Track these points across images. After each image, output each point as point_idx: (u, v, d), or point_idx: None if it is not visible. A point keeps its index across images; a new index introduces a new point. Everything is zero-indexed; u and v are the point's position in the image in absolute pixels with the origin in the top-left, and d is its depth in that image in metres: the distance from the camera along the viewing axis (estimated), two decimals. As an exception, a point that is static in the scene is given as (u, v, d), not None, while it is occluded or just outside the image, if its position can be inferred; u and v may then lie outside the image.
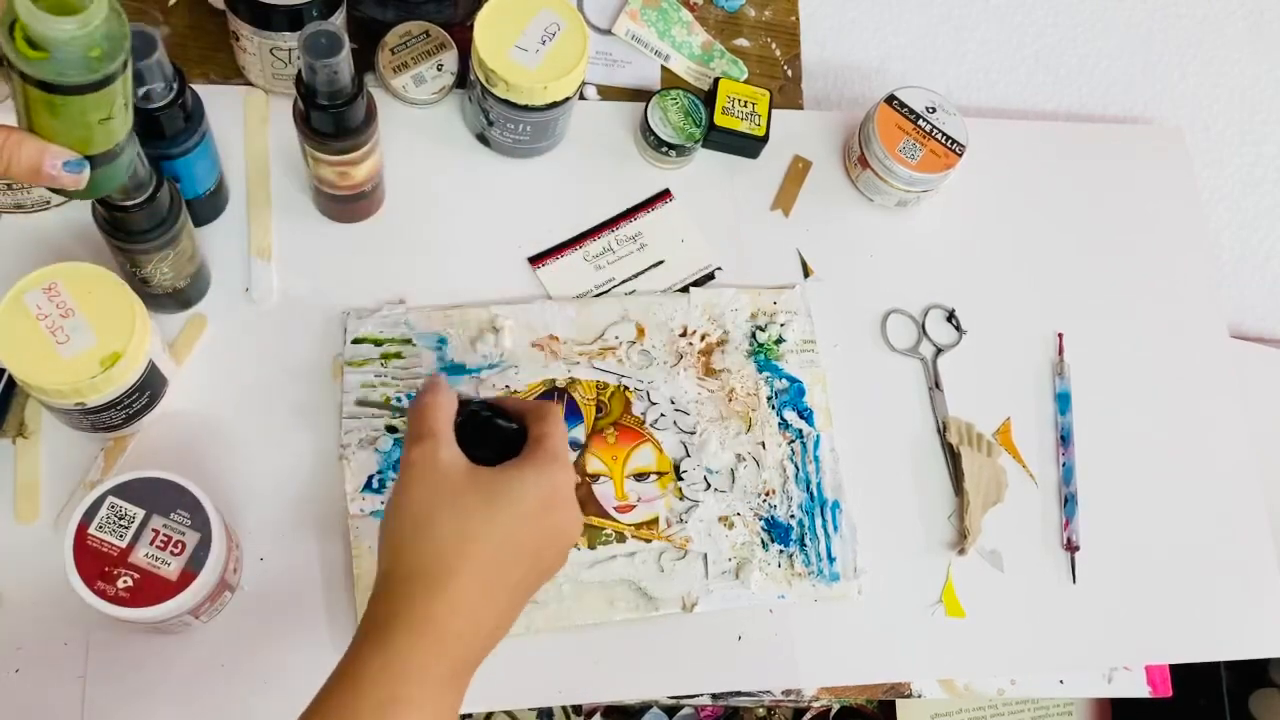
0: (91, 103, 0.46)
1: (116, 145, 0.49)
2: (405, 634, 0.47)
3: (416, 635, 0.47)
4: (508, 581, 0.50)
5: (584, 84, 0.81)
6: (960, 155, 0.79)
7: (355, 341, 0.70)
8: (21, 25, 0.43)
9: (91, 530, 0.55)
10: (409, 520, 0.50)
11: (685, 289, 0.77)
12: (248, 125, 0.74)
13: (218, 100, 0.71)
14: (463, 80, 0.77)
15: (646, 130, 0.78)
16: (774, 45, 0.87)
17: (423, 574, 0.49)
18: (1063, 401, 0.80)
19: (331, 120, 0.62)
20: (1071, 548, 0.76)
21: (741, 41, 0.86)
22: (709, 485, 0.72)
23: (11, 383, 0.64)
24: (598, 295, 0.75)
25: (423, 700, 0.47)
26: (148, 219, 0.59)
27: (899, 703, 0.89)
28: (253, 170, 0.73)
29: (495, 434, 0.55)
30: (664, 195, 0.79)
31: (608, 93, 0.82)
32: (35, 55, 0.44)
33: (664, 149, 0.78)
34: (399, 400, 0.69)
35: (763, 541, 0.71)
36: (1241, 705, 0.90)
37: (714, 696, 0.72)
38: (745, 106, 0.80)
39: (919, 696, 0.73)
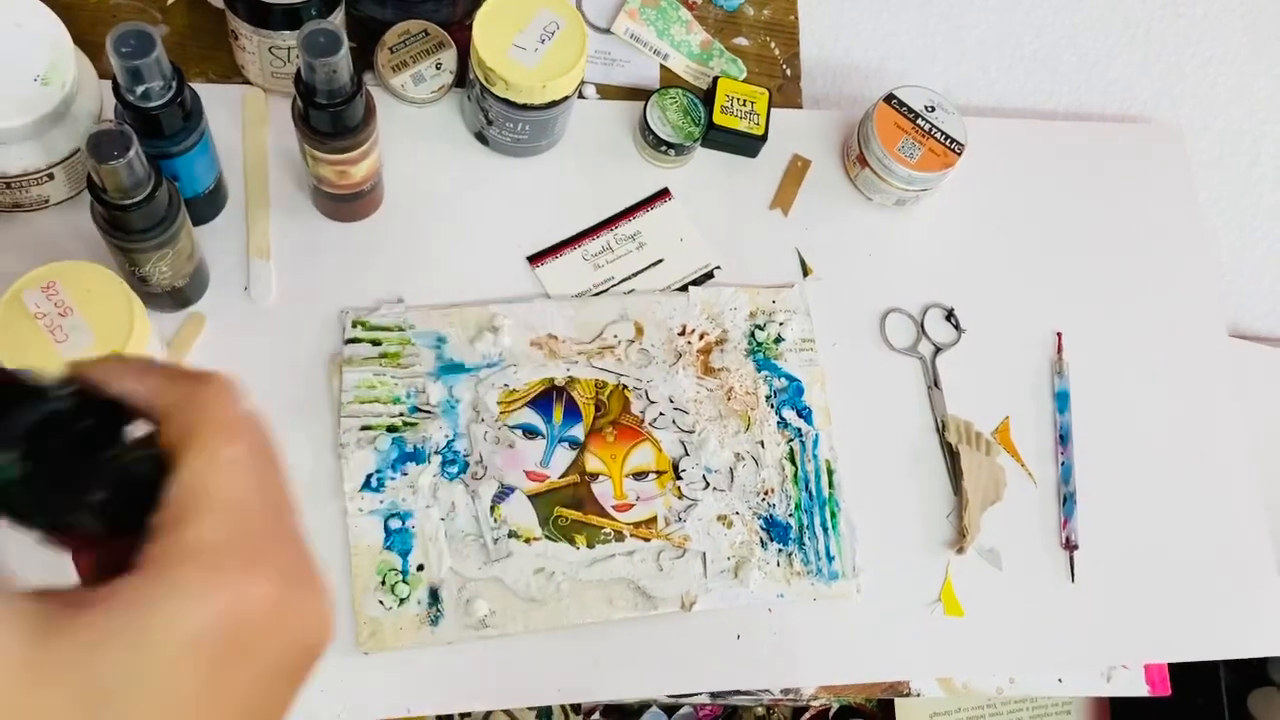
0: None
1: None
2: None
3: None
4: None
5: (583, 83, 0.81)
6: (959, 154, 0.79)
7: (353, 340, 0.70)
8: None
9: (90, 529, 0.55)
10: None
11: (684, 288, 0.77)
12: (246, 124, 0.74)
13: (217, 99, 0.71)
14: (462, 79, 0.77)
15: (645, 129, 0.78)
16: (773, 44, 0.87)
17: None
18: (1061, 400, 0.80)
19: (330, 119, 0.62)
20: (1070, 547, 0.77)
21: (740, 40, 0.86)
22: (708, 484, 0.72)
23: (10, 381, 0.64)
24: (596, 294, 0.75)
25: None
26: (146, 218, 0.59)
27: (898, 702, 0.89)
28: (251, 169, 0.73)
29: (103, 467, 0.29)
30: (663, 194, 0.79)
31: (607, 92, 0.82)
32: None
33: (663, 148, 0.78)
34: (399, 399, 0.69)
35: (761, 540, 0.71)
36: (1240, 704, 0.90)
37: (713, 695, 0.72)
38: (744, 105, 0.80)
39: (918, 695, 0.73)
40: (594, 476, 0.71)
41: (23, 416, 0.27)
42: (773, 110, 0.80)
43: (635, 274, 0.77)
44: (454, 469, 0.69)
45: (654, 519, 0.71)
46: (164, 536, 0.27)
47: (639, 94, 0.82)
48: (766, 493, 0.73)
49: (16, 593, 0.25)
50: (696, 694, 0.71)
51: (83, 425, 0.28)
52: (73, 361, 0.30)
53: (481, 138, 0.77)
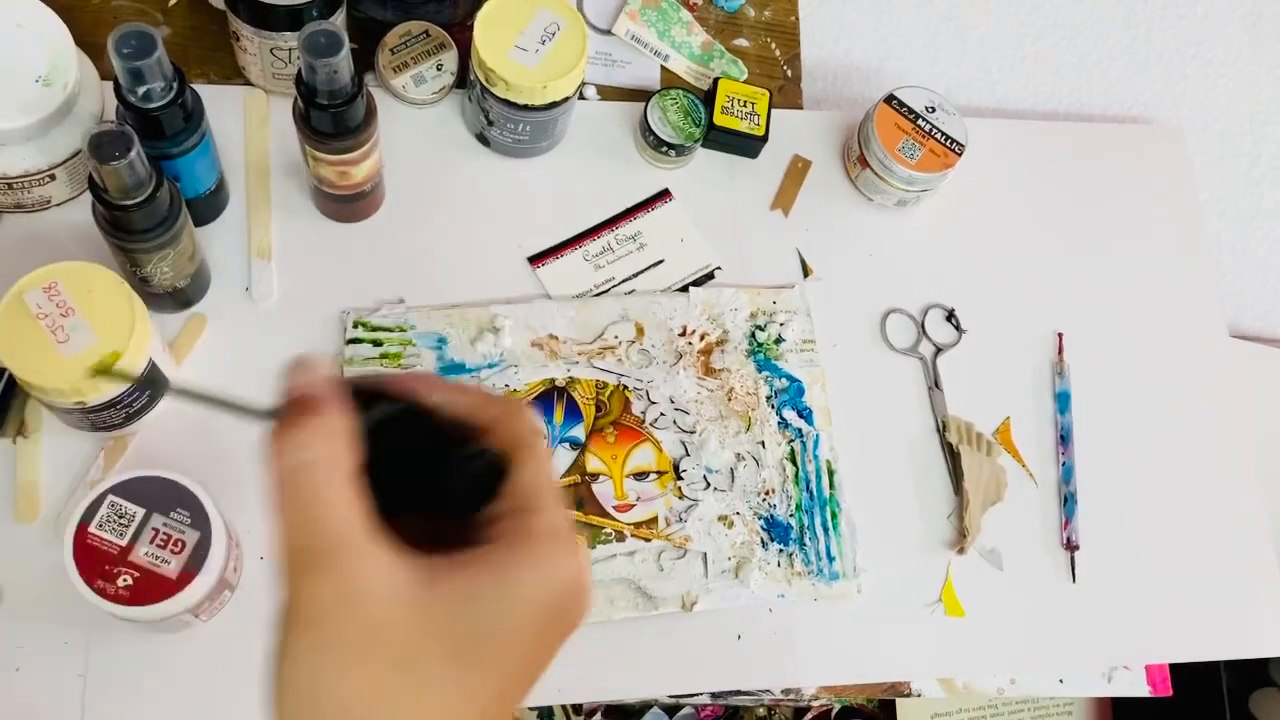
0: None
1: None
2: None
3: None
4: None
5: (584, 84, 0.81)
6: (960, 155, 0.79)
7: (355, 341, 0.70)
8: None
9: (91, 529, 0.55)
10: None
11: (685, 288, 0.77)
12: (248, 125, 0.74)
13: (218, 100, 0.71)
14: (462, 80, 0.77)
15: (646, 130, 0.78)
16: (773, 45, 0.87)
17: None
18: (1062, 401, 0.80)
19: (331, 120, 0.62)
20: (1071, 547, 0.76)
21: (741, 41, 0.86)
22: (708, 484, 0.72)
23: (12, 382, 0.64)
24: (597, 295, 0.76)
25: None
26: (148, 218, 0.59)
27: (899, 702, 0.89)
28: (253, 170, 0.73)
29: (441, 459, 0.34)
30: (663, 195, 0.79)
31: (607, 93, 0.82)
32: None
33: (663, 148, 0.78)
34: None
35: (762, 541, 0.71)
36: (1241, 705, 0.90)
37: (714, 696, 0.72)
38: (745, 106, 0.80)
39: (919, 696, 0.73)
40: (595, 477, 0.71)
41: (385, 415, 0.33)
42: (773, 111, 0.80)
43: (636, 274, 0.77)
44: (455, 469, 0.69)
45: (655, 519, 0.71)
46: (516, 519, 0.32)
47: (639, 95, 0.82)
48: (767, 493, 0.73)
49: (402, 549, 0.30)
50: (697, 694, 0.71)
51: (425, 423, 0.34)
52: (390, 374, 0.34)
53: (482, 138, 0.77)
